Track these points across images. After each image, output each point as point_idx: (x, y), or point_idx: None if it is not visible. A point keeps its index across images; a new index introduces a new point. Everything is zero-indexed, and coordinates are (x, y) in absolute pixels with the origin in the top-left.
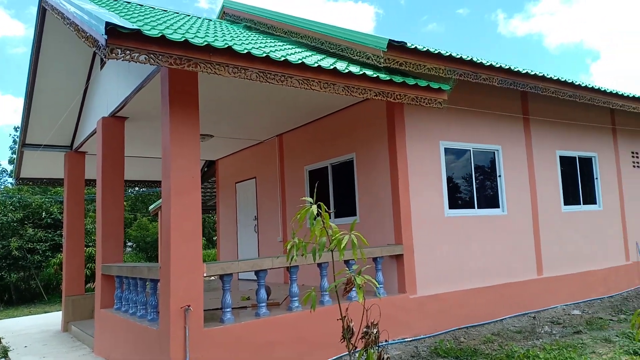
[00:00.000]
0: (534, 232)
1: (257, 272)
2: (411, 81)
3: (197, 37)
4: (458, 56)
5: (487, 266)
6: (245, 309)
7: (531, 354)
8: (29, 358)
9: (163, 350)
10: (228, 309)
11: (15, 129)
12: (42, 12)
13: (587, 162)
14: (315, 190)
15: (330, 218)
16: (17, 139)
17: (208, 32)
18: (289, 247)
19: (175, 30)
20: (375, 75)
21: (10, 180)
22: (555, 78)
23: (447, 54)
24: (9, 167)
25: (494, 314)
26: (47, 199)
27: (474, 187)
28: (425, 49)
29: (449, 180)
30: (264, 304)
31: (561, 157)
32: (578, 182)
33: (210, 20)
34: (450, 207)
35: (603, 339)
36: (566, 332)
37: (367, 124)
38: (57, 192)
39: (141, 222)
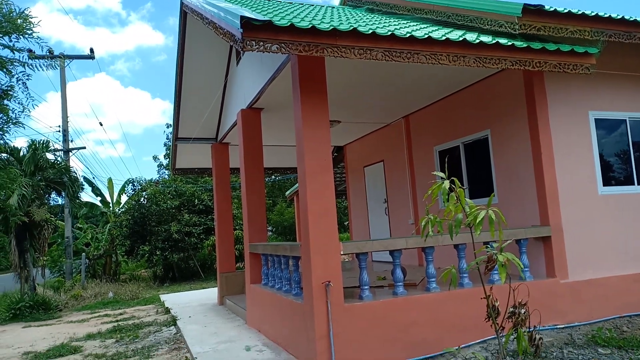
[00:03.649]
0: None
1: (391, 252)
2: (552, 47)
3: (323, 22)
4: (606, 15)
5: None
6: (382, 288)
7: None
8: (193, 327)
9: (308, 323)
10: (366, 287)
11: (167, 125)
12: (183, 17)
13: None
14: (446, 165)
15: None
16: (170, 136)
17: (333, 18)
18: (423, 223)
19: (302, 18)
20: (510, 44)
21: (167, 172)
22: None
23: (593, 14)
24: (165, 162)
25: None
26: (198, 188)
27: (632, 161)
28: (566, 11)
29: (601, 154)
30: (400, 284)
31: None
32: None
33: (333, 7)
34: (604, 184)
35: None
36: None
37: (502, 97)
38: (206, 181)
39: (279, 208)
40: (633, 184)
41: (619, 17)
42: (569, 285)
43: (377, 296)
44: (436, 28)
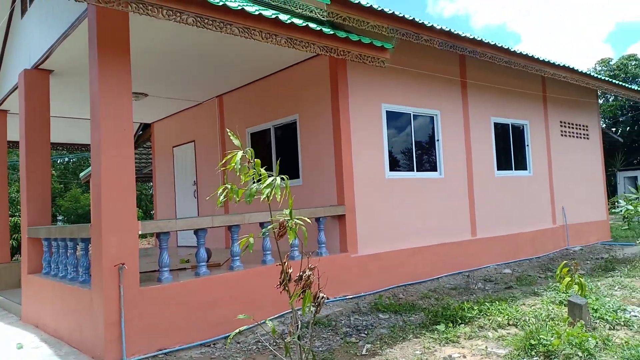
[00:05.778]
0: (469, 195)
1: (196, 232)
2: (355, 37)
3: None
4: (401, 15)
5: (424, 227)
6: (184, 270)
7: (466, 306)
8: None
9: (96, 310)
10: (166, 268)
11: None
12: None
13: (519, 130)
14: (250, 146)
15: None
16: None
17: None
18: (219, 191)
19: None
20: (318, 29)
21: None
22: (492, 43)
23: (390, 12)
24: None
25: (431, 272)
26: None
27: (414, 150)
28: (368, 5)
29: (390, 143)
30: (204, 264)
31: (495, 124)
32: (510, 149)
33: None
34: (390, 170)
35: (532, 292)
36: (498, 288)
37: (311, 83)
38: None
39: (73, 193)
40: (413, 170)
41: (410, 17)
42: (358, 259)
43: (177, 278)
44: (249, 4)
